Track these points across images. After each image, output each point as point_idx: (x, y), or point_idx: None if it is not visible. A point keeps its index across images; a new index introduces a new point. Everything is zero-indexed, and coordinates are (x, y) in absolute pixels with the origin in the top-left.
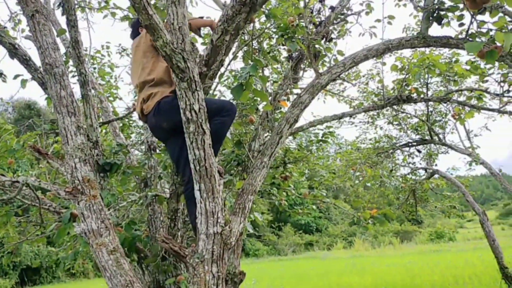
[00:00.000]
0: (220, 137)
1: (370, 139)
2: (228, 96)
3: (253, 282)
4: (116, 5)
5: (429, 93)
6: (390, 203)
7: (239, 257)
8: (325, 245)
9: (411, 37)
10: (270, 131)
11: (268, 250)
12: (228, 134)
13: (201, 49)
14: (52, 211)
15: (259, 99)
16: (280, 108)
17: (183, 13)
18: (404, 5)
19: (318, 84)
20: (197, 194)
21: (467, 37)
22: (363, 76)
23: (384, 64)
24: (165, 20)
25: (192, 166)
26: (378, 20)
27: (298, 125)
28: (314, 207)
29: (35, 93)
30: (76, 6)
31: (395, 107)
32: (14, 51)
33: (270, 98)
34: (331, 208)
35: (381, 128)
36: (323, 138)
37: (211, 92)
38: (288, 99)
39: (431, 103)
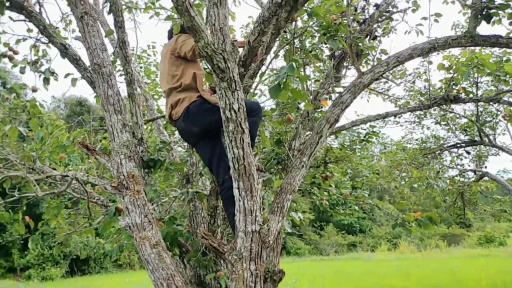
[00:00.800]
0: (253, 137)
1: (417, 139)
2: (268, 94)
3: (294, 280)
4: (161, 6)
5: (479, 92)
6: (437, 205)
7: (278, 255)
8: (369, 246)
9: (458, 36)
10: (310, 130)
11: (310, 249)
12: (267, 133)
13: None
14: (100, 204)
15: None
16: (321, 107)
17: (224, 14)
18: (453, 2)
19: (360, 84)
20: (236, 192)
21: None
22: (409, 75)
23: (430, 63)
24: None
25: (231, 164)
26: (425, 18)
27: (340, 124)
28: (356, 208)
29: (85, 91)
30: (123, 7)
31: (443, 106)
32: (65, 51)
33: (311, 97)
34: (376, 209)
35: (428, 128)
36: (366, 138)
37: (251, 91)
38: (330, 98)
39: (481, 103)
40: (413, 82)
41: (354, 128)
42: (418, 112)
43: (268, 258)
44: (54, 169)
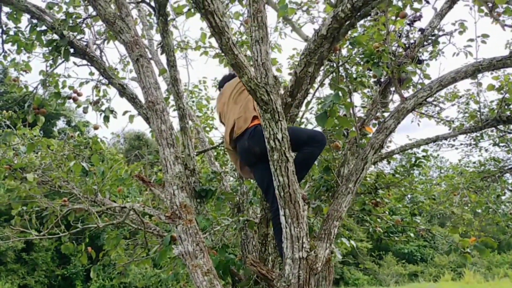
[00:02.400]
0: (308, 165)
1: (474, 162)
2: (314, 123)
3: None
4: (211, 44)
5: None
6: (504, 231)
7: (331, 284)
8: (431, 276)
9: (503, 57)
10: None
11: (368, 279)
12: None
13: (289, 79)
14: (156, 234)
15: None
16: (367, 133)
17: (266, 50)
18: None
19: (404, 109)
20: (282, 219)
21: None
22: (461, 96)
23: (480, 84)
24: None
25: (276, 192)
26: (471, 40)
27: (390, 149)
28: (412, 234)
29: (143, 126)
30: (176, 47)
31: (500, 127)
32: (123, 91)
33: (358, 123)
34: (438, 237)
35: (486, 150)
36: (417, 163)
37: (297, 120)
38: (378, 124)
39: None
40: (467, 104)
41: (410, 152)
42: (474, 134)
43: (320, 287)
44: (114, 201)
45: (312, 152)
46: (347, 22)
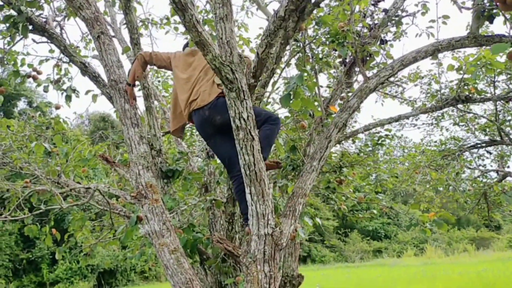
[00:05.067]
0: (270, 144)
1: (435, 141)
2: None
3: (317, 287)
4: (177, 21)
5: (497, 91)
6: (463, 207)
7: (297, 260)
8: (395, 252)
9: (461, 37)
10: None
11: (334, 256)
12: (281, 140)
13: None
14: (123, 215)
15: None
16: (333, 113)
17: (231, 28)
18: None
19: (366, 88)
20: (248, 197)
21: None
22: (423, 77)
23: (440, 64)
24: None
25: (242, 170)
26: (433, 21)
27: (354, 128)
28: (375, 211)
29: (108, 106)
30: (140, 24)
31: (460, 107)
32: (85, 69)
33: (324, 103)
34: (401, 214)
35: (447, 129)
36: (380, 142)
37: (264, 100)
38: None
39: (499, 102)
40: (429, 84)
41: (373, 131)
42: (435, 114)
43: (287, 263)
44: (78, 182)
45: (272, 129)
46: (302, 4)
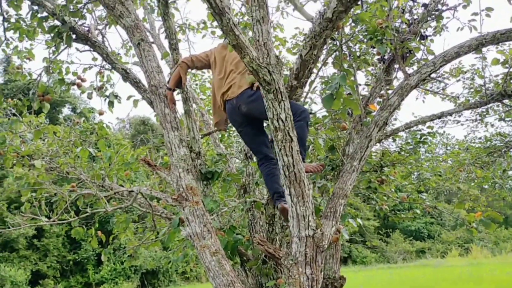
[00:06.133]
0: (303, 140)
1: (480, 138)
2: (318, 102)
3: None
4: (214, 25)
5: None
6: (511, 206)
7: (338, 262)
8: (439, 252)
9: (507, 29)
10: None
11: (376, 257)
12: (321, 141)
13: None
14: (164, 217)
15: None
16: (372, 111)
17: (267, 29)
18: None
19: (407, 85)
20: (288, 198)
21: None
22: (466, 71)
23: (484, 58)
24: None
25: (281, 172)
26: (475, 14)
27: (395, 127)
28: (418, 211)
29: (148, 110)
30: (178, 30)
31: (506, 102)
32: (126, 76)
33: (363, 102)
34: (444, 214)
35: (492, 125)
36: (422, 139)
37: (302, 100)
38: (383, 102)
39: None
40: (472, 79)
41: (414, 129)
42: (479, 110)
43: (328, 265)
44: (121, 185)
45: (302, 127)
46: (352, 6)
